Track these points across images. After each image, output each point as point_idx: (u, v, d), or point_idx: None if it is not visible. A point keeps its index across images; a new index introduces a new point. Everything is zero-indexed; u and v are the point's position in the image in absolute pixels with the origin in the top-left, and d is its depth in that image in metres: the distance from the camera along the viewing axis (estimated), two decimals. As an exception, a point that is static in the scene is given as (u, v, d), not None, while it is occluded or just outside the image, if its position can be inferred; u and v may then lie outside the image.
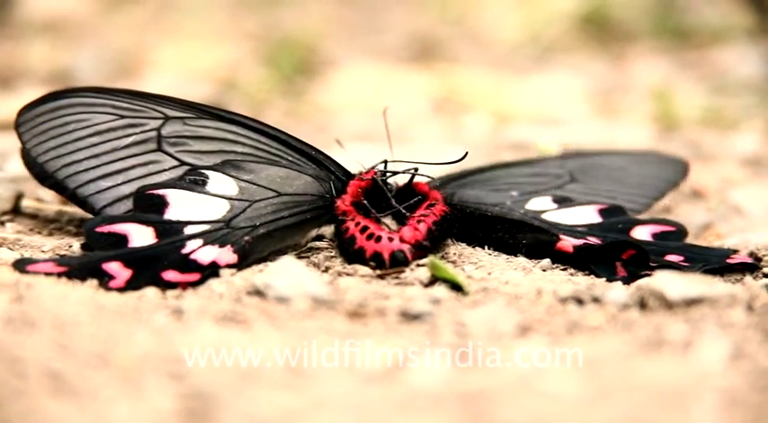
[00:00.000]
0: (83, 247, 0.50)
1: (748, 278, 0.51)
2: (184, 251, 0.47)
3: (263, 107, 1.06)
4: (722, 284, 0.46)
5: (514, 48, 1.41)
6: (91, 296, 0.44)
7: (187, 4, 1.56)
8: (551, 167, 0.60)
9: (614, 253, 0.50)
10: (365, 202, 0.52)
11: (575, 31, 1.44)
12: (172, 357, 0.38)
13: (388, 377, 0.38)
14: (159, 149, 0.52)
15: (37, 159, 0.51)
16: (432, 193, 0.53)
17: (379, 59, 1.30)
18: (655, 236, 0.54)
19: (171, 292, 0.46)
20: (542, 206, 0.56)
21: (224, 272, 0.47)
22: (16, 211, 0.59)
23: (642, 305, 0.45)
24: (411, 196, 0.53)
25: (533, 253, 0.53)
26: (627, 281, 0.49)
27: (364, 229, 0.50)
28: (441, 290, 0.47)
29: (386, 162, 0.54)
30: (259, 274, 0.47)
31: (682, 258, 0.51)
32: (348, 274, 0.49)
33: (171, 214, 0.49)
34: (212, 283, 0.47)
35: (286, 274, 0.46)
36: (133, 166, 0.51)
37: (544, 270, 0.51)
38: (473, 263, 0.51)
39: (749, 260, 0.52)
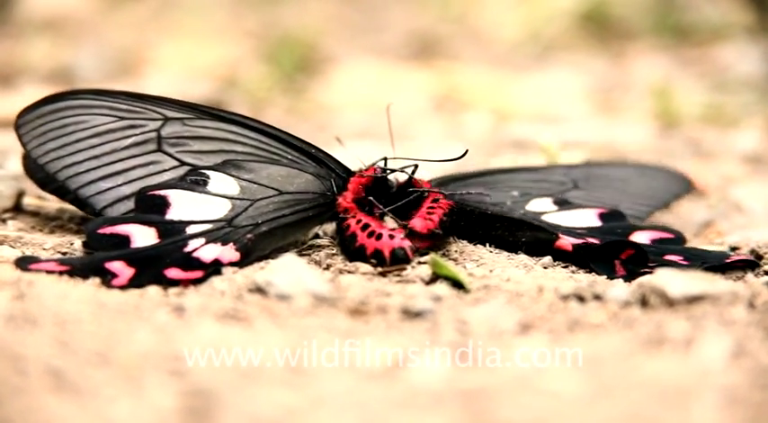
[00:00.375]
0: (84, 245, 0.50)
1: (750, 276, 0.51)
2: (187, 250, 0.47)
3: (264, 105, 1.07)
4: (724, 282, 0.46)
5: (515, 46, 1.41)
6: (92, 294, 0.44)
7: (188, 2, 1.56)
8: (555, 175, 0.60)
9: (613, 252, 0.50)
10: (370, 198, 0.52)
11: (575, 29, 1.44)
12: (173, 355, 0.38)
13: (388, 375, 0.38)
14: (159, 150, 0.52)
15: (38, 161, 0.51)
16: (432, 191, 0.53)
17: (379, 57, 1.30)
18: (654, 242, 0.54)
19: (172, 290, 0.46)
20: (543, 208, 0.56)
21: (225, 269, 0.47)
22: (17, 209, 0.59)
23: (643, 303, 0.45)
24: (412, 193, 0.53)
25: (533, 251, 0.53)
26: (626, 279, 0.49)
27: (365, 226, 0.50)
28: (442, 287, 0.47)
29: (386, 159, 0.54)
30: (260, 272, 0.47)
31: (681, 258, 0.51)
32: (349, 272, 0.49)
33: (173, 214, 0.49)
34: (214, 280, 0.47)
35: (287, 271, 0.46)
36: (134, 167, 0.51)
37: (545, 267, 0.51)
38: (474, 260, 0.51)
39: (750, 258, 0.52)
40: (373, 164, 0.54)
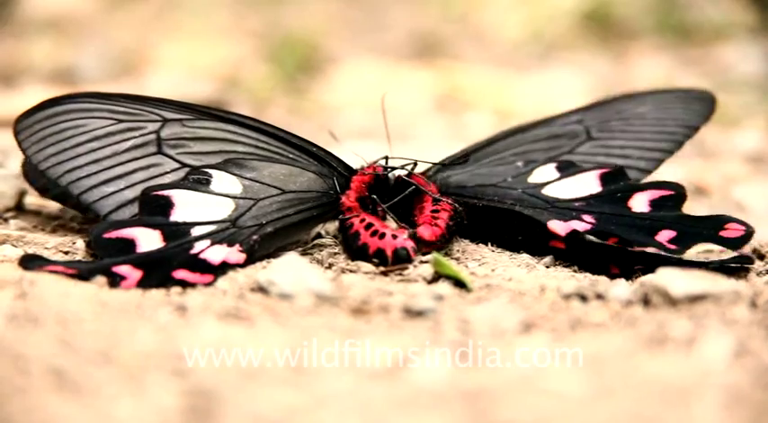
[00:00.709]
0: (88, 246, 0.50)
1: (752, 275, 0.51)
2: (193, 252, 0.47)
3: (266, 105, 1.07)
4: (726, 281, 0.46)
5: (517, 45, 1.41)
6: (94, 293, 0.44)
7: (190, 2, 1.56)
8: (570, 124, 0.59)
9: (604, 257, 0.51)
10: (373, 196, 0.52)
11: (577, 29, 1.44)
12: (175, 354, 0.38)
13: (390, 374, 0.38)
14: (159, 152, 0.51)
15: (38, 166, 0.51)
16: (429, 186, 0.53)
17: (381, 57, 1.30)
18: (652, 202, 0.53)
19: (174, 289, 0.46)
20: (545, 177, 0.55)
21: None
22: (19, 208, 0.59)
23: (646, 302, 0.45)
24: (408, 186, 0.53)
25: (535, 250, 0.53)
26: (621, 276, 0.49)
27: (369, 225, 0.50)
28: (444, 286, 0.47)
29: (387, 158, 0.54)
30: (262, 271, 0.47)
31: (674, 234, 0.51)
32: (351, 271, 0.49)
33: (177, 216, 0.49)
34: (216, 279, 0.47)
35: (289, 270, 0.46)
36: (135, 170, 0.51)
37: (547, 267, 0.51)
38: (476, 259, 0.51)
39: (742, 229, 0.51)
40: (374, 162, 0.54)
